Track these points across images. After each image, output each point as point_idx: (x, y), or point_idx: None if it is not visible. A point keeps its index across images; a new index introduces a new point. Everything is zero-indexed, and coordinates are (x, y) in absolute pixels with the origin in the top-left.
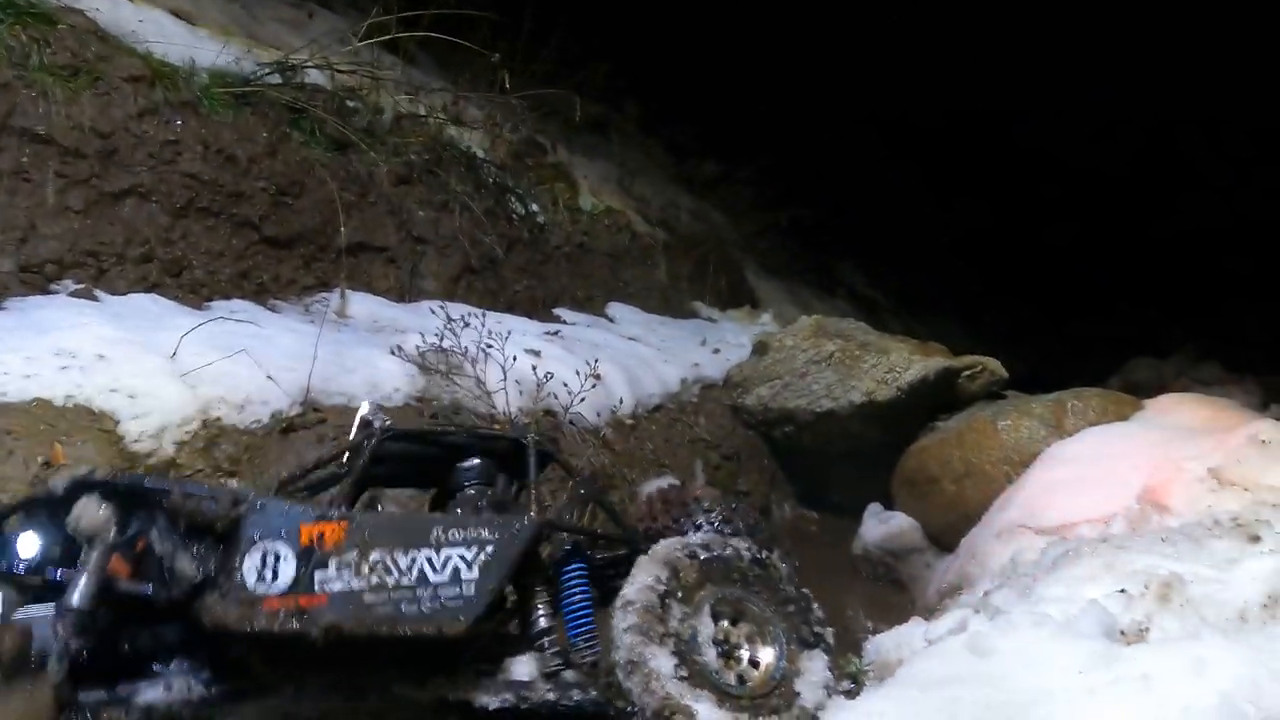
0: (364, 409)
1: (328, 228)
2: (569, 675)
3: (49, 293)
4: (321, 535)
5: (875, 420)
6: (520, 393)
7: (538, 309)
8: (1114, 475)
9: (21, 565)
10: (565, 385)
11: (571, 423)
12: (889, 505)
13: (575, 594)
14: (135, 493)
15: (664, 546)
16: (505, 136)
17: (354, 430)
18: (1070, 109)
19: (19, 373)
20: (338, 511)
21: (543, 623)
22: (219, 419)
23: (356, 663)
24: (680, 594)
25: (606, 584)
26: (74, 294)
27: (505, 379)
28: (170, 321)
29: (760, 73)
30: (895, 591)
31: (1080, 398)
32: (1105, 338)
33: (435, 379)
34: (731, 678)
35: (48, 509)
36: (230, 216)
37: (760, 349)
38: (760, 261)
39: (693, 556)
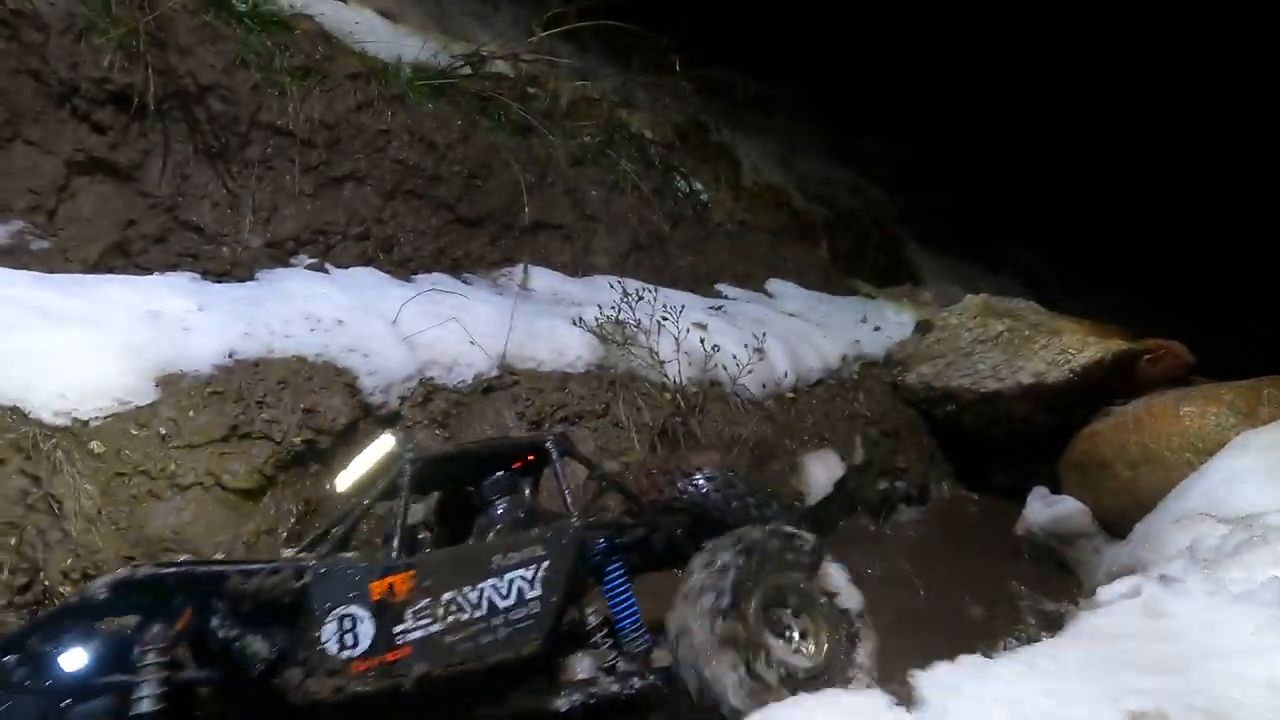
0: (386, 440)
1: (512, 207)
2: (625, 666)
3: (289, 266)
4: (391, 588)
5: (1043, 402)
6: (690, 364)
7: (700, 284)
8: None
9: (69, 680)
10: (735, 358)
11: (736, 394)
12: (1054, 489)
13: (618, 587)
14: (188, 581)
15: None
16: (672, 118)
17: (378, 464)
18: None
19: (281, 333)
20: (402, 561)
21: (593, 620)
22: (433, 378)
23: (440, 700)
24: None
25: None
26: (309, 267)
27: (679, 351)
28: (387, 292)
29: (923, 48)
30: (1060, 574)
31: (1279, 386)
32: None
33: (613, 349)
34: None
35: (88, 615)
36: (430, 198)
37: (923, 327)
38: (921, 238)
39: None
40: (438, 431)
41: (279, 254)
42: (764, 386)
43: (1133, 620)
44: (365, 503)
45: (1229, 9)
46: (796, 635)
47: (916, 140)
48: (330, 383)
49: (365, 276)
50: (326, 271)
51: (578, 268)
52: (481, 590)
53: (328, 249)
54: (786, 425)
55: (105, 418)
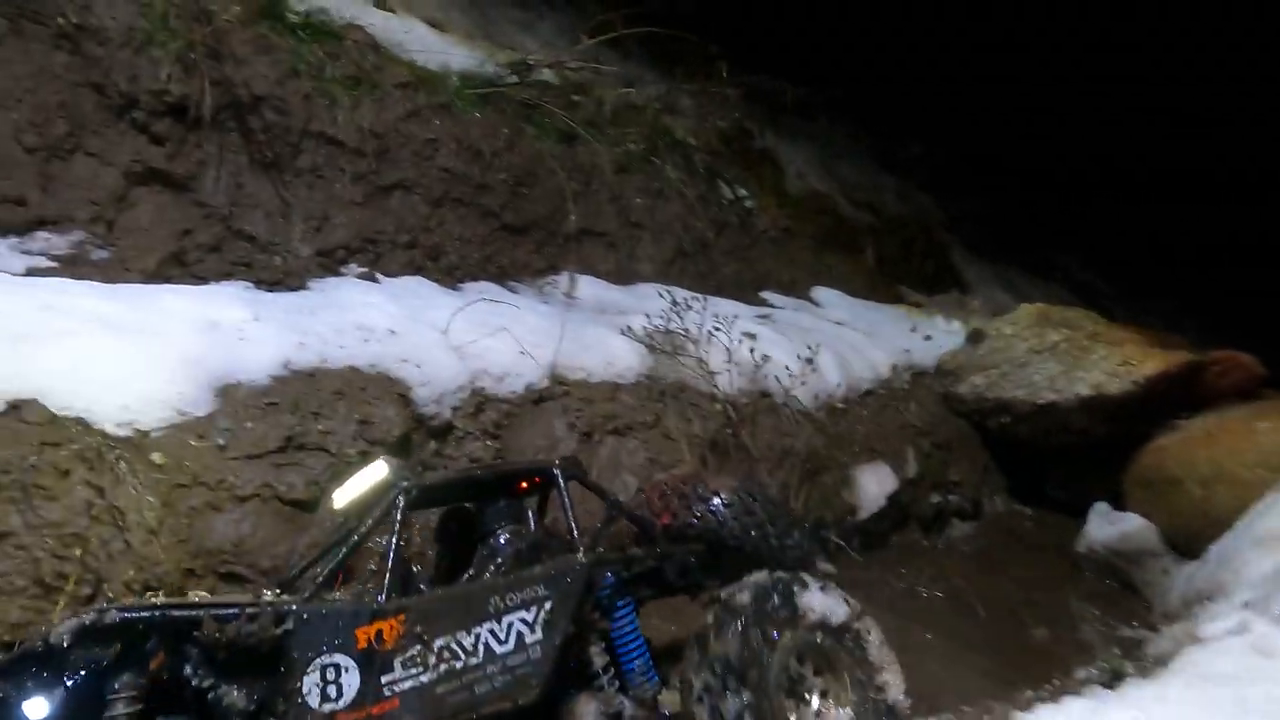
0: (382, 467)
1: (557, 215)
2: (631, 710)
3: (339, 275)
4: (379, 634)
5: (1103, 415)
6: (739, 374)
7: (744, 291)
8: None
9: None
10: (786, 368)
11: (787, 405)
12: (1116, 504)
13: (626, 626)
14: (158, 625)
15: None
16: (716, 124)
17: (371, 492)
18: None
19: (335, 343)
20: (391, 605)
21: (598, 660)
22: (484, 388)
23: None
24: None
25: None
26: (359, 276)
27: (731, 361)
28: (436, 301)
29: (965, 54)
30: (1125, 594)
31: None
32: None
33: (662, 359)
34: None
35: (53, 660)
36: (477, 206)
37: (976, 337)
38: (967, 243)
39: None
40: (489, 443)
41: (329, 263)
42: (815, 397)
43: (1244, 660)
44: (355, 539)
45: (1268, 14)
46: (816, 680)
47: (958, 146)
48: (384, 393)
49: (414, 285)
50: (376, 280)
51: (622, 275)
52: (478, 635)
53: (377, 258)
54: (837, 436)
55: (166, 428)
